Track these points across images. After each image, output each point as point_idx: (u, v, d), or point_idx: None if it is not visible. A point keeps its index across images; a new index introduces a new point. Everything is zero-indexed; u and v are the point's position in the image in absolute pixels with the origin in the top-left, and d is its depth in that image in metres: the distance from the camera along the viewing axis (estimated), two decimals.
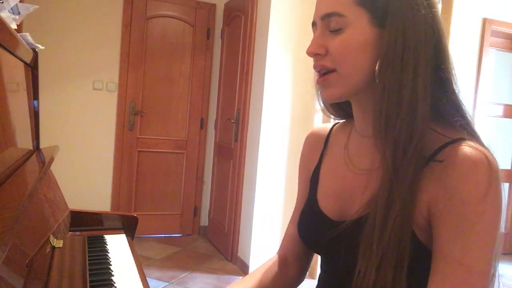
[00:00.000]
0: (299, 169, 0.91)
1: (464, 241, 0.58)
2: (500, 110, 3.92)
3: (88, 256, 1.00)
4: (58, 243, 0.93)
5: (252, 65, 3.12)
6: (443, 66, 0.66)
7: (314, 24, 0.70)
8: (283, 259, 0.89)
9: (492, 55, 3.66)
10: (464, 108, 0.68)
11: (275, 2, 2.89)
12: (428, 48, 0.64)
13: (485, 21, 3.43)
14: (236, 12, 3.39)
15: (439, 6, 2.61)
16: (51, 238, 0.90)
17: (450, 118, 0.66)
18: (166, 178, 3.76)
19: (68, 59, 3.38)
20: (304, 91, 2.97)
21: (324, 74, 0.69)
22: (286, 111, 3.00)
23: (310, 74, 2.98)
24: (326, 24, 0.67)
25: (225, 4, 3.67)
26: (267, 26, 2.91)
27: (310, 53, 0.69)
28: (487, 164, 0.59)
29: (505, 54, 3.85)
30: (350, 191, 0.74)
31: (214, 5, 3.78)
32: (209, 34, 3.78)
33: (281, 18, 2.92)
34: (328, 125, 0.88)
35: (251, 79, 3.13)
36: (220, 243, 3.48)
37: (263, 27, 2.99)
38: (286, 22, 2.92)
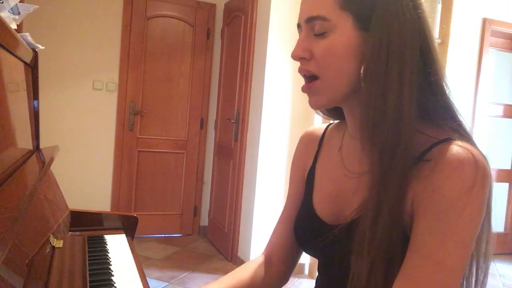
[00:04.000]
0: (291, 169, 0.90)
1: (439, 235, 0.57)
2: (500, 110, 3.92)
3: (88, 256, 1.00)
4: (58, 243, 0.93)
5: (252, 65, 3.12)
6: (429, 70, 0.65)
7: (299, 26, 0.70)
8: (268, 258, 0.89)
9: (492, 55, 3.66)
10: (455, 109, 0.67)
11: (275, 2, 2.89)
12: (413, 51, 0.63)
13: (485, 21, 3.43)
14: (236, 12, 3.39)
15: (439, 6, 2.61)
16: (51, 238, 0.90)
17: (440, 121, 0.65)
18: (166, 178, 3.76)
19: (68, 59, 3.38)
20: None
21: (309, 81, 0.68)
22: (286, 111, 3.00)
23: None
24: (311, 27, 0.66)
25: (225, 4, 3.67)
26: (267, 26, 2.91)
27: (295, 56, 0.68)
28: (474, 163, 0.58)
29: (505, 54, 3.85)
30: (343, 194, 0.73)
31: (214, 5, 3.78)
32: (209, 34, 3.78)
33: (281, 18, 2.92)
34: (323, 126, 0.87)
35: (251, 79, 3.13)
36: (220, 243, 3.49)
37: (263, 27, 2.99)
38: (286, 22, 2.93)
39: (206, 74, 3.81)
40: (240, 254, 3.18)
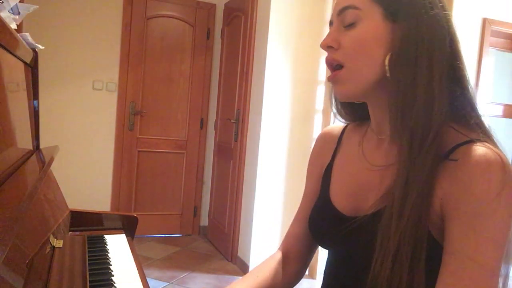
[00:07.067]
0: (309, 166, 0.92)
1: (476, 237, 0.58)
2: (500, 110, 3.91)
3: (88, 256, 1.01)
4: (58, 243, 0.93)
5: (252, 65, 3.12)
6: (458, 62, 0.67)
7: (331, 23, 0.73)
8: (285, 255, 0.90)
9: (492, 55, 3.66)
10: (477, 106, 0.69)
11: (275, 2, 2.89)
12: (443, 44, 0.65)
13: (485, 21, 3.43)
14: (236, 12, 3.39)
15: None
16: (51, 238, 0.90)
17: (467, 116, 0.67)
18: (166, 178, 3.76)
19: (68, 59, 3.38)
20: (304, 91, 2.97)
21: (334, 70, 0.71)
22: (286, 111, 2.99)
23: (310, 74, 2.96)
24: (342, 19, 0.69)
25: (225, 4, 3.67)
26: (267, 26, 2.91)
27: (323, 45, 0.71)
28: (502, 165, 0.59)
29: (505, 54, 3.85)
30: (364, 187, 0.75)
31: (214, 5, 3.78)
32: (209, 34, 3.78)
33: (281, 18, 2.91)
34: (341, 125, 0.89)
35: (251, 79, 3.13)
36: (220, 243, 3.48)
37: (263, 27, 2.99)
38: (286, 22, 2.92)
39: (206, 74, 3.81)
40: (240, 254, 3.18)
